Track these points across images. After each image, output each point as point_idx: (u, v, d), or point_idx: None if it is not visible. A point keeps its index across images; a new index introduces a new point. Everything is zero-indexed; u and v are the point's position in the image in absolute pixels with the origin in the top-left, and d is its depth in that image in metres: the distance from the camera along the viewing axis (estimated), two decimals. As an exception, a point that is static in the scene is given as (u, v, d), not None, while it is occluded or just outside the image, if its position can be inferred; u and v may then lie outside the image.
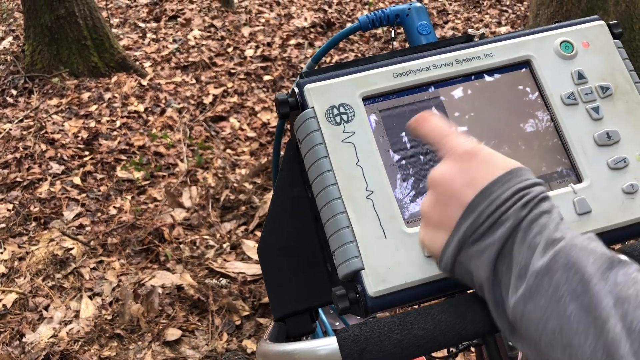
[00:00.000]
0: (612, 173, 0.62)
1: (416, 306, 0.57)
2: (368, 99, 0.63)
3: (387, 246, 0.58)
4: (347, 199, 0.59)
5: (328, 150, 0.61)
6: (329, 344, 0.48)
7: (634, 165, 0.63)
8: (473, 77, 0.66)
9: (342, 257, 0.58)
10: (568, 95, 0.65)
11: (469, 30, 0.70)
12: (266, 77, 4.17)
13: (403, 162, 0.62)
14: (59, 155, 3.27)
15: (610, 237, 0.61)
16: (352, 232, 0.58)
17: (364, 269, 0.57)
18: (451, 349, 1.38)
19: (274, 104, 0.59)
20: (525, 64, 0.67)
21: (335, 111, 0.62)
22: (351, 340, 0.47)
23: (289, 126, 0.71)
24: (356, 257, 0.57)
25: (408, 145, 0.62)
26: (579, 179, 0.63)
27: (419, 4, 0.83)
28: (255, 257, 2.50)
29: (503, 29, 4.75)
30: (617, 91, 0.66)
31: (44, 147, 3.33)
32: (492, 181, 0.48)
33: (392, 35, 0.79)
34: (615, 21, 0.71)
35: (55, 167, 3.16)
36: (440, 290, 0.57)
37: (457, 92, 0.65)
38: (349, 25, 1.03)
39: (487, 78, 0.66)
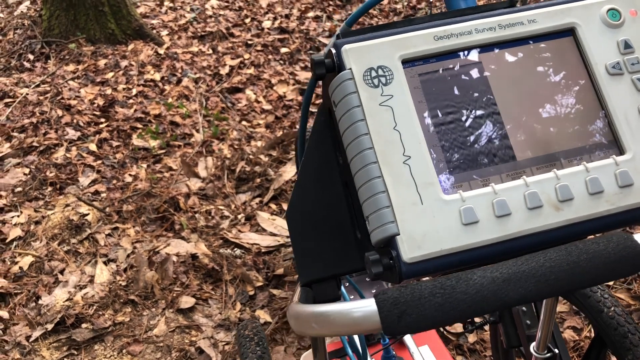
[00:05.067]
0: (657, 146, 0.60)
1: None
2: (407, 62, 0.61)
3: (424, 212, 0.56)
4: (384, 164, 0.58)
5: (365, 113, 0.59)
6: (367, 305, 0.47)
7: (680, 139, 0.61)
8: (515, 43, 0.64)
9: (377, 222, 0.57)
10: (613, 65, 0.63)
11: (512, -5, 0.68)
12: (283, 50, 4.13)
13: (442, 128, 0.60)
14: (75, 121, 3.27)
15: (652, 211, 0.59)
16: (387, 197, 0.57)
17: (399, 234, 0.56)
18: (467, 325, 1.38)
19: (310, 64, 0.57)
20: (570, 31, 0.65)
21: (374, 73, 0.60)
22: (390, 302, 0.46)
23: (317, 92, 0.70)
24: (392, 223, 0.56)
25: (447, 111, 0.61)
26: (621, 151, 0.61)
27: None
28: (270, 229, 2.50)
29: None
30: (665, 62, 0.64)
31: (60, 112, 3.33)
32: None
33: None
34: (665, -11, 0.68)
35: (72, 133, 3.17)
36: (476, 259, 0.56)
37: (499, 57, 0.63)
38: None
39: (530, 44, 0.64)
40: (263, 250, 2.40)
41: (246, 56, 4.01)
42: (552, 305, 1.00)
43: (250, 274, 2.27)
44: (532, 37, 0.64)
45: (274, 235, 2.47)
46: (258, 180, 2.79)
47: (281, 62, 4.02)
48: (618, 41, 0.64)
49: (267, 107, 3.51)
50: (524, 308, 1.23)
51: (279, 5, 4.79)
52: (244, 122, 3.35)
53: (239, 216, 2.60)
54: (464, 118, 0.61)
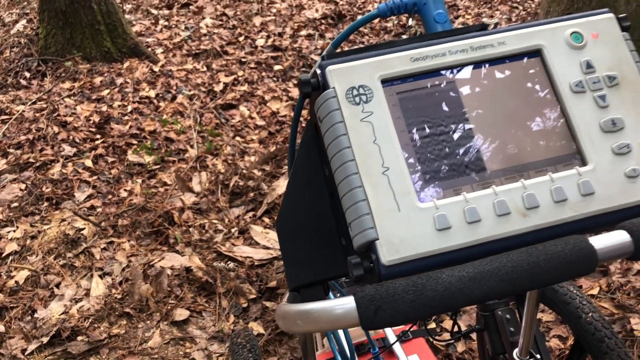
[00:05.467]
0: (616, 158, 0.66)
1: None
2: (386, 82, 0.67)
3: (401, 219, 0.61)
4: (364, 174, 0.63)
5: (347, 128, 0.64)
6: (347, 302, 0.52)
7: (637, 151, 0.66)
8: (487, 63, 0.69)
9: (358, 228, 0.62)
10: (576, 83, 0.68)
11: (484, 20, 0.74)
12: (276, 67, 4.20)
13: (418, 141, 0.65)
14: (71, 137, 3.31)
15: (612, 218, 0.64)
16: (368, 205, 0.62)
17: (378, 239, 0.60)
18: (454, 334, 1.42)
19: (297, 83, 0.62)
20: (537, 52, 0.70)
21: (355, 92, 0.65)
22: (367, 299, 0.50)
23: (307, 109, 0.75)
24: (371, 228, 0.61)
25: (423, 126, 0.66)
26: (584, 163, 0.66)
27: (435, -6, 0.87)
28: (263, 242, 2.54)
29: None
30: (624, 81, 0.69)
31: (56, 129, 3.37)
32: None
33: (410, 23, 0.82)
34: (624, 14, 0.74)
35: (67, 149, 3.21)
36: (449, 262, 0.61)
37: (471, 76, 0.68)
38: (367, 13, 1.06)
39: (500, 65, 0.70)
40: (256, 263, 2.44)
41: (240, 73, 4.08)
42: (532, 311, 1.05)
43: (243, 287, 2.30)
44: (502, 58, 0.70)
45: (267, 248, 2.51)
46: (251, 194, 2.84)
47: (274, 79, 4.08)
48: (581, 62, 0.70)
49: (261, 122, 3.57)
50: (507, 315, 1.28)
51: (272, 23, 4.87)
52: (237, 138, 3.40)
53: (233, 230, 2.64)
54: (438, 132, 0.66)
